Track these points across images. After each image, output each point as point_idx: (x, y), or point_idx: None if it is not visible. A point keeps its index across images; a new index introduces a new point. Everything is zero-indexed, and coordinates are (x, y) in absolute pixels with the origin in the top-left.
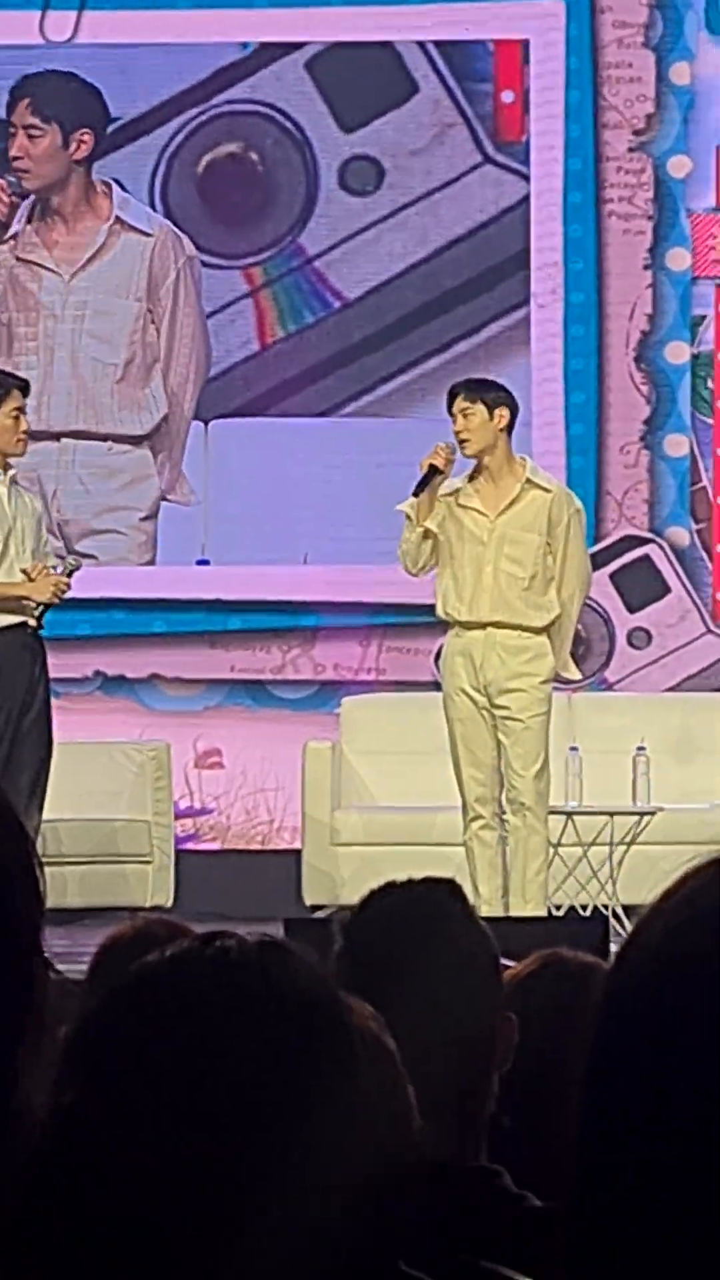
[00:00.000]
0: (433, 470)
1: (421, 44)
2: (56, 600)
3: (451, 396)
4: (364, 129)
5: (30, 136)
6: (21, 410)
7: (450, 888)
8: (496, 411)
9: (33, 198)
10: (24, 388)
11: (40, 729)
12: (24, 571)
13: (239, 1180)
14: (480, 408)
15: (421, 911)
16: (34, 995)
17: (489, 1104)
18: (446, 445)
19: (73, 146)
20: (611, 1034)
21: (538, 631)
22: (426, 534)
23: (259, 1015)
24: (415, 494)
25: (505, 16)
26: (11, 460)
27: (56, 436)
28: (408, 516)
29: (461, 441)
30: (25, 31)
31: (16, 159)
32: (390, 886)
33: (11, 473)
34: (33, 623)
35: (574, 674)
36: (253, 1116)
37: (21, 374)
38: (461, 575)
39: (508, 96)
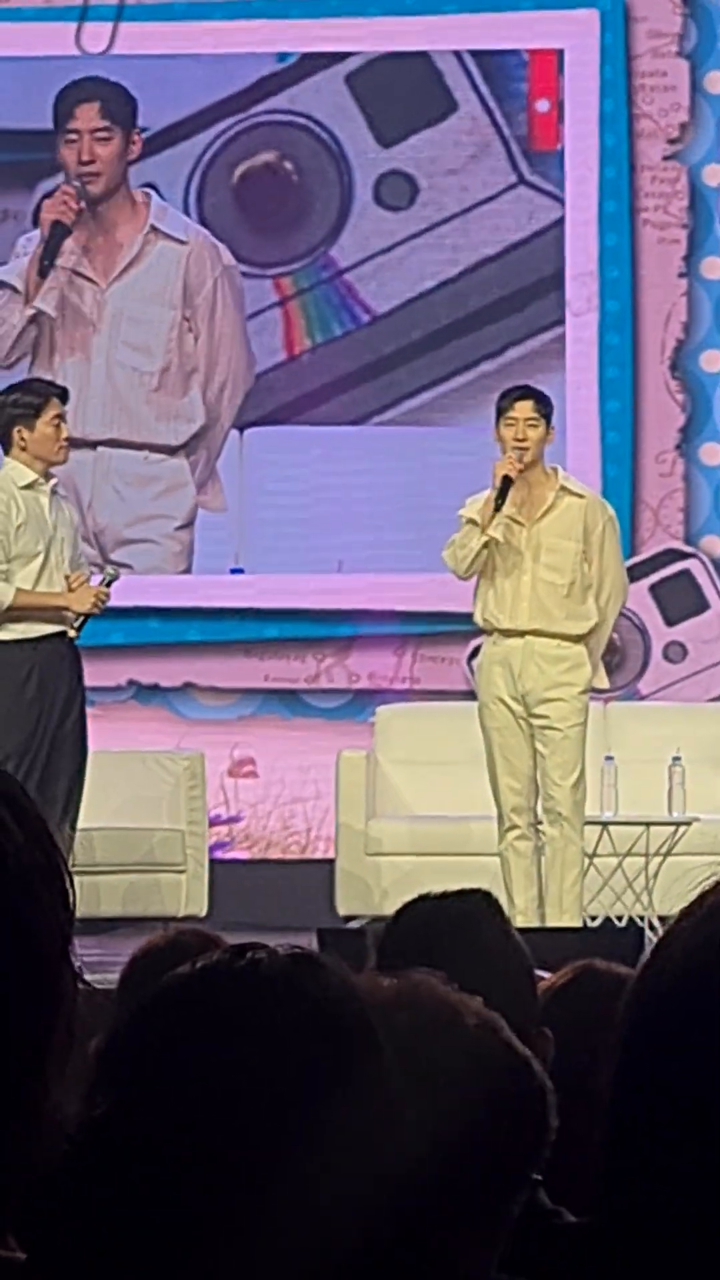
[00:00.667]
0: (507, 480)
1: (459, 56)
2: (97, 610)
3: (513, 400)
4: (401, 144)
5: (100, 140)
6: (62, 418)
7: (485, 899)
8: (551, 428)
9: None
10: (63, 395)
11: (76, 738)
12: (66, 578)
13: (268, 1192)
14: (543, 421)
15: (456, 923)
16: (63, 1004)
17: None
18: (512, 454)
19: (130, 151)
20: (638, 1045)
21: (576, 640)
22: (487, 543)
23: (289, 1028)
24: (498, 505)
25: (540, 26)
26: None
27: (93, 445)
28: (472, 522)
29: (521, 449)
30: (62, 43)
31: (86, 163)
32: (425, 898)
33: (53, 482)
34: (71, 632)
35: (603, 682)
36: (282, 1129)
37: (60, 382)
38: (500, 583)
39: (543, 106)
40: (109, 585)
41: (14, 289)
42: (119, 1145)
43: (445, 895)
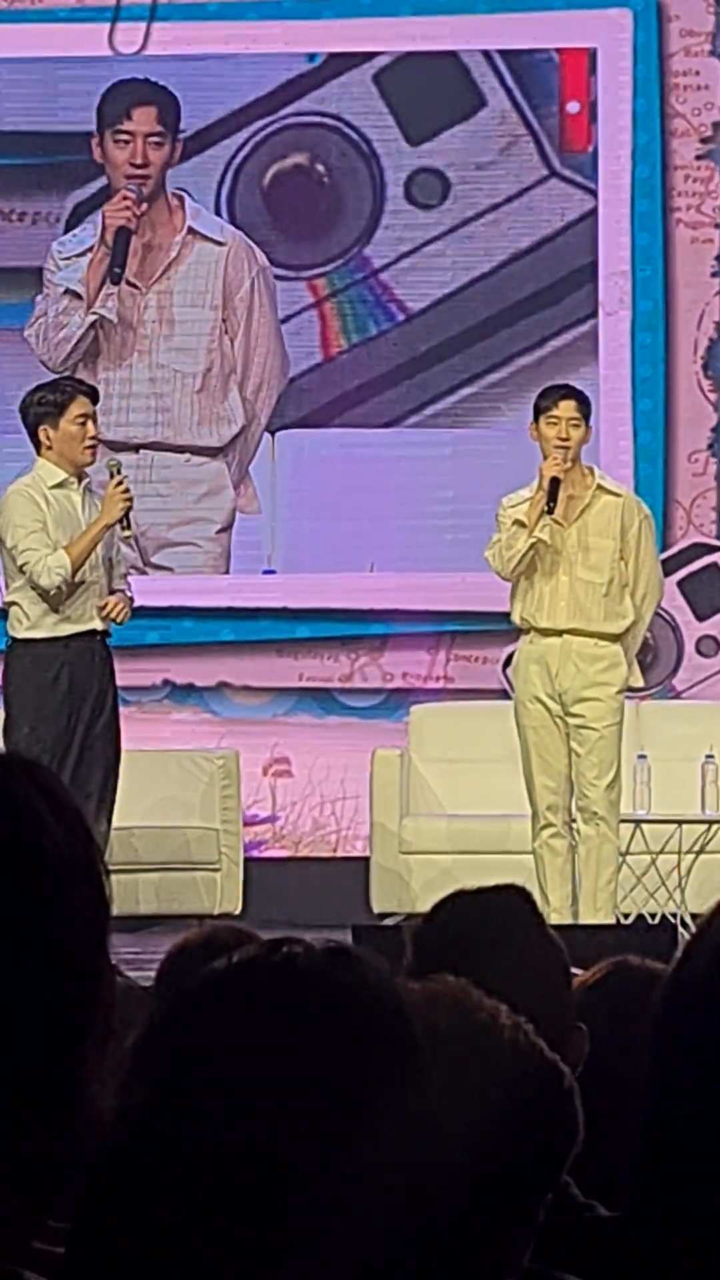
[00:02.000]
0: (555, 481)
1: (488, 55)
2: (129, 504)
3: (557, 398)
4: (430, 142)
5: (154, 145)
6: (89, 417)
7: (520, 894)
8: (589, 430)
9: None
10: (90, 393)
11: (109, 736)
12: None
13: (305, 1186)
14: (583, 421)
15: (492, 919)
16: (100, 997)
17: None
18: (556, 454)
19: (174, 158)
20: (671, 1040)
21: (614, 639)
22: (534, 544)
23: (325, 1021)
24: (548, 507)
25: (572, 25)
26: (89, 471)
27: (135, 449)
28: (519, 523)
29: (564, 448)
30: (93, 44)
31: (140, 166)
32: (460, 894)
33: (86, 481)
34: (101, 626)
35: (638, 681)
36: (319, 1122)
37: (99, 385)
38: (539, 583)
39: (573, 106)
40: (118, 475)
41: (76, 294)
42: (154, 1139)
43: (481, 891)
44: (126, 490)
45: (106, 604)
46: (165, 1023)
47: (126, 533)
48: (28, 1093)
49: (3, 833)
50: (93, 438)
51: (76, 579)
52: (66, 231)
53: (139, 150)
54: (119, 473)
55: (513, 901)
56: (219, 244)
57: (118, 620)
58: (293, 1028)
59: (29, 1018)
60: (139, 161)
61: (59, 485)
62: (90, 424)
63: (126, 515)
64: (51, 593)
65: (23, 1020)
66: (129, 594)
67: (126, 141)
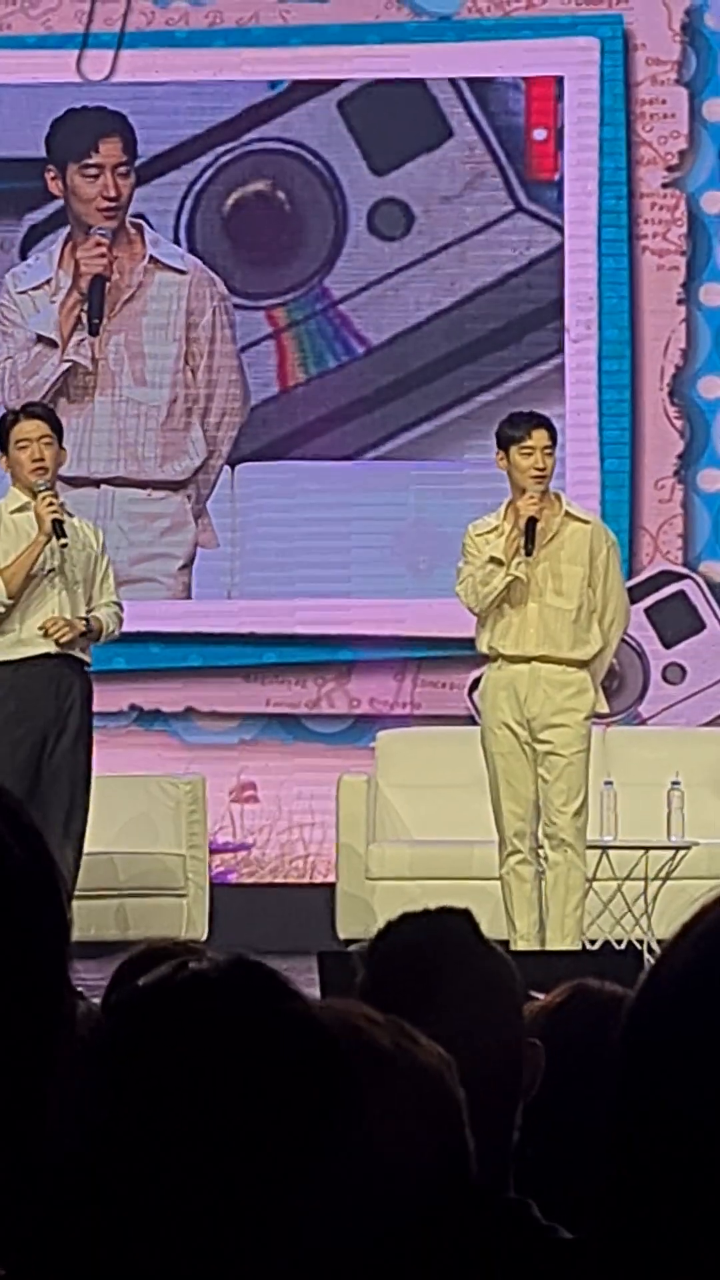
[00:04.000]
0: (533, 521)
1: (455, 84)
2: (58, 513)
3: (529, 427)
4: (395, 172)
5: (122, 175)
6: (31, 440)
7: (463, 916)
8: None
9: (66, 237)
10: (39, 415)
11: (73, 760)
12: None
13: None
14: (554, 449)
15: (437, 940)
16: (62, 1020)
17: (514, 1131)
18: (532, 489)
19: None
20: (635, 1064)
21: (582, 665)
22: (510, 581)
23: (235, 1034)
24: (528, 550)
25: (539, 54)
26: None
27: (97, 483)
28: (495, 561)
29: (540, 478)
30: (60, 70)
31: (112, 199)
32: (406, 916)
33: (60, 500)
34: (54, 649)
35: (603, 707)
36: (242, 1133)
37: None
38: (508, 611)
39: (540, 133)
40: (43, 491)
41: (51, 342)
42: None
43: (426, 914)
44: (51, 503)
45: (51, 620)
46: (89, 1049)
47: (62, 542)
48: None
49: None
50: (37, 460)
51: (27, 599)
52: (22, 256)
53: (110, 183)
54: (45, 489)
55: (456, 923)
56: (180, 273)
57: (56, 640)
58: (205, 1043)
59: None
60: (111, 195)
61: (19, 509)
62: (34, 446)
63: (57, 525)
64: None
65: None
66: (105, 622)
67: (96, 175)
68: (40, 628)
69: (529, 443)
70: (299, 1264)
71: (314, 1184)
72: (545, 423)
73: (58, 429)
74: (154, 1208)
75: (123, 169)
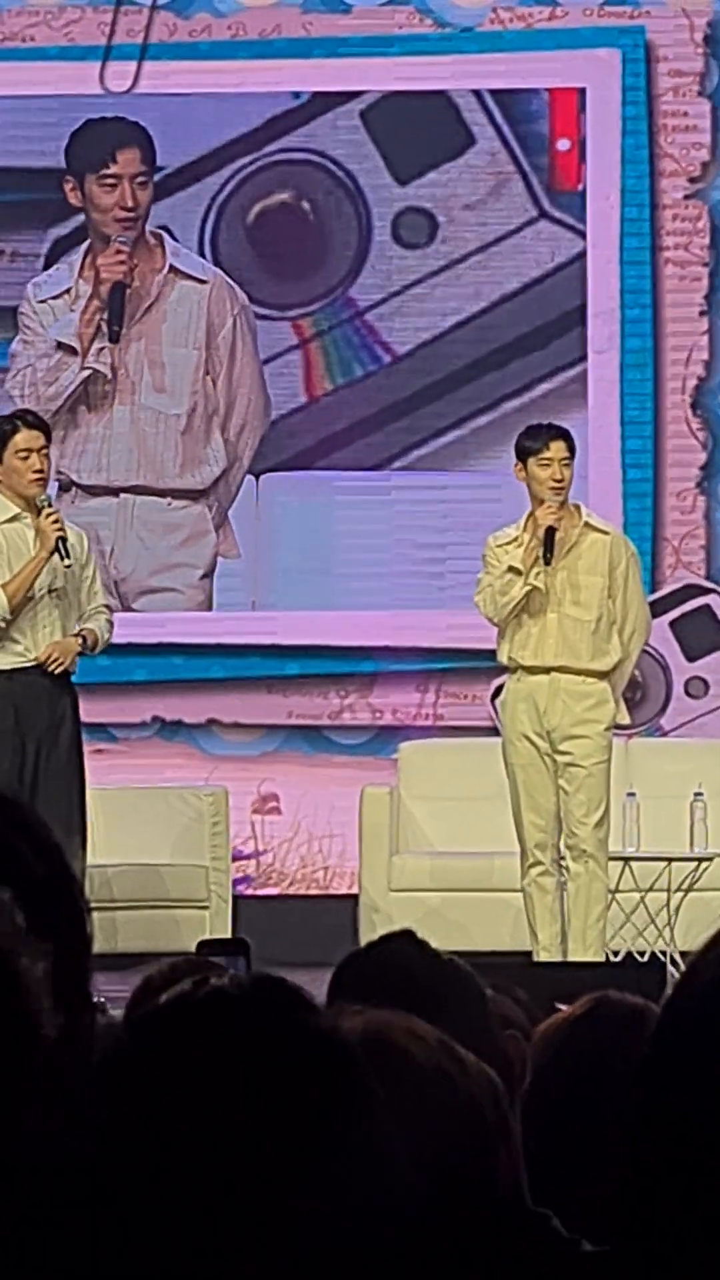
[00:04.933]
0: (551, 531)
1: (478, 94)
2: (61, 531)
3: (547, 439)
4: (418, 181)
5: (140, 186)
6: (33, 450)
7: (407, 936)
8: (574, 462)
9: (87, 247)
10: (37, 425)
11: (68, 772)
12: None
13: (257, 1218)
14: (572, 460)
15: (389, 966)
16: (79, 1032)
17: (517, 1126)
18: (550, 499)
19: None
20: (659, 1076)
21: (601, 676)
22: (529, 591)
23: (256, 1051)
24: (546, 559)
25: (562, 66)
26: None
27: (116, 492)
28: (513, 570)
29: (559, 489)
30: (83, 82)
31: (129, 209)
32: (353, 956)
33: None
34: (38, 661)
35: (625, 719)
36: (261, 1149)
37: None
38: (526, 621)
39: (564, 144)
40: (47, 507)
41: (71, 349)
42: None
43: (369, 946)
44: (57, 520)
45: (47, 652)
46: (111, 1061)
47: (67, 562)
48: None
49: None
50: (38, 471)
51: (24, 611)
52: (46, 268)
53: (127, 193)
54: (48, 505)
55: (402, 945)
56: (201, 282)
57: (53, 671)
58: (226, 1061)
59: (7, 1053)
60: (129, 205)
61: (10, 519)
62: (35, 457)
63: (62, 544)
64: None
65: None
66: (99, 634)
67: (113, 185)
68: (38, 661)
69: (546, 454)
70: (313, 1277)
71: (332, 1201)
72: (563, 434)
73: (50, 440)
74: (167, 1223)
75: (140, 179)
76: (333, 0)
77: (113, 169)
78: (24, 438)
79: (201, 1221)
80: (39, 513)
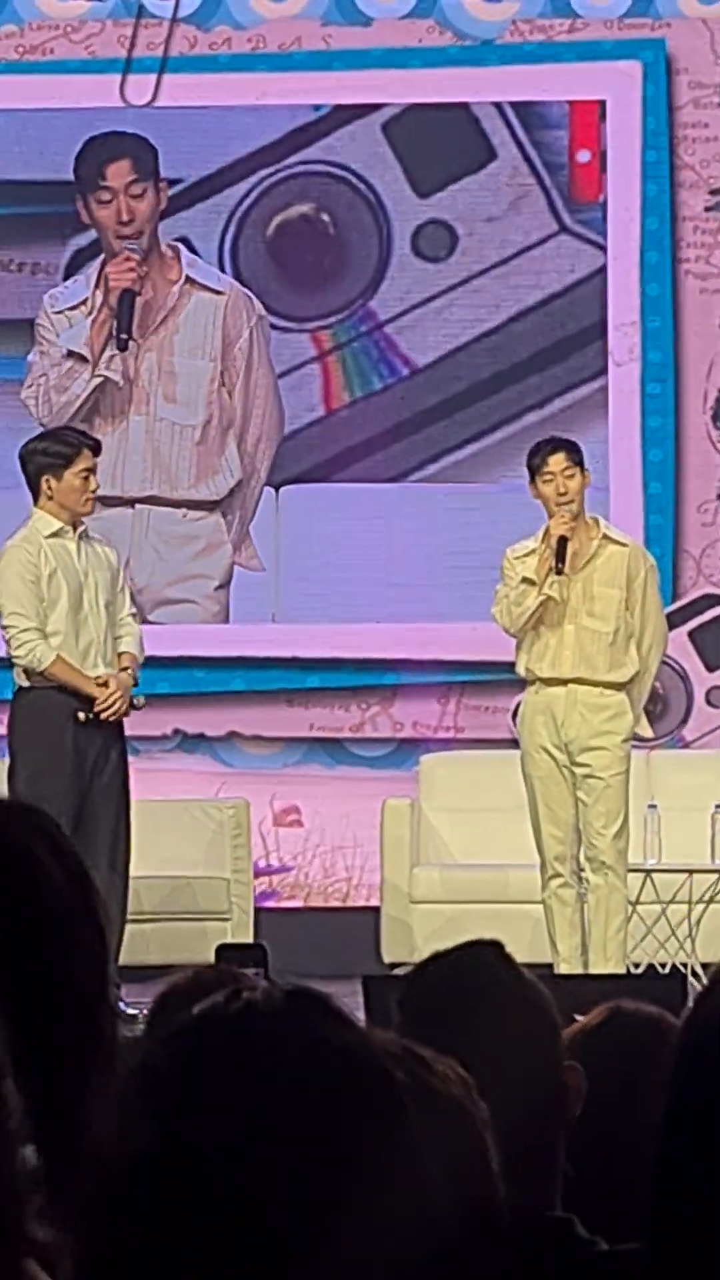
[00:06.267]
0: (563, 540)
1: (499, 106)
2: (108, 716)
3: (546, 454)
4: (439, 194)
5: (135, 197)
6: (91, 470)
7: (493, 947)
8: (586, 474)
9: (103, 259)
10: (95, 447)
11: (116, 787)
12: (99, 681)
13: (290, 1232)
14: (578, 469)
15: (469, 975)
16: (102, 1041)
17: (561, 1154)
18: (562, 511)
19: (160, 202)
20: (686, 1085)
21: (619, 688)
22: (543, 601)
23: (290, 1064)
24: (558, 569)
25: (582, 77)
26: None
27: (131, 503)
28: (528, 581)
29: (566, 503)
30: (105, 94)
31: (126, 222)
32: (435, 956)
33: (81, 529)
34: (80, 716)
35: (646, 731)
36: (296, 1159)
37: (97, 437)
38: (544, 633)
39: (584, 156)
40: (133, 706)
41: (81, 357)
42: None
43: (454, 949)
44: (120, 713)
45: (102, 700)
46: (142, 1074)
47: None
48: (30, 1137)
49: (1, 875)
50: (94, 490)
51: (70, 626)
52: (66, 280)
53: (123, 206)
54: (131, 708)
55: (486, 955)
56: (217, 293)
57: (109, 718)
58: (258, 1073)
59: (30, 1062)
60: (125, 218)
61: (55, 534)
62: (92, 478)
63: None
64: (22, 667)
65: (24, 1064)
66: (138, 657)
67: (109, 200)
68: (94, 712)
69: (547, 469)
70: None
71: (365, 1214)
72: (563, 446)
73: None
74: (200, 1237)
75: (135, 190)
76: (353, 13)
77: (105, 184)
78: (85, 457)
79: (233, 1236)
80: (75, 528)
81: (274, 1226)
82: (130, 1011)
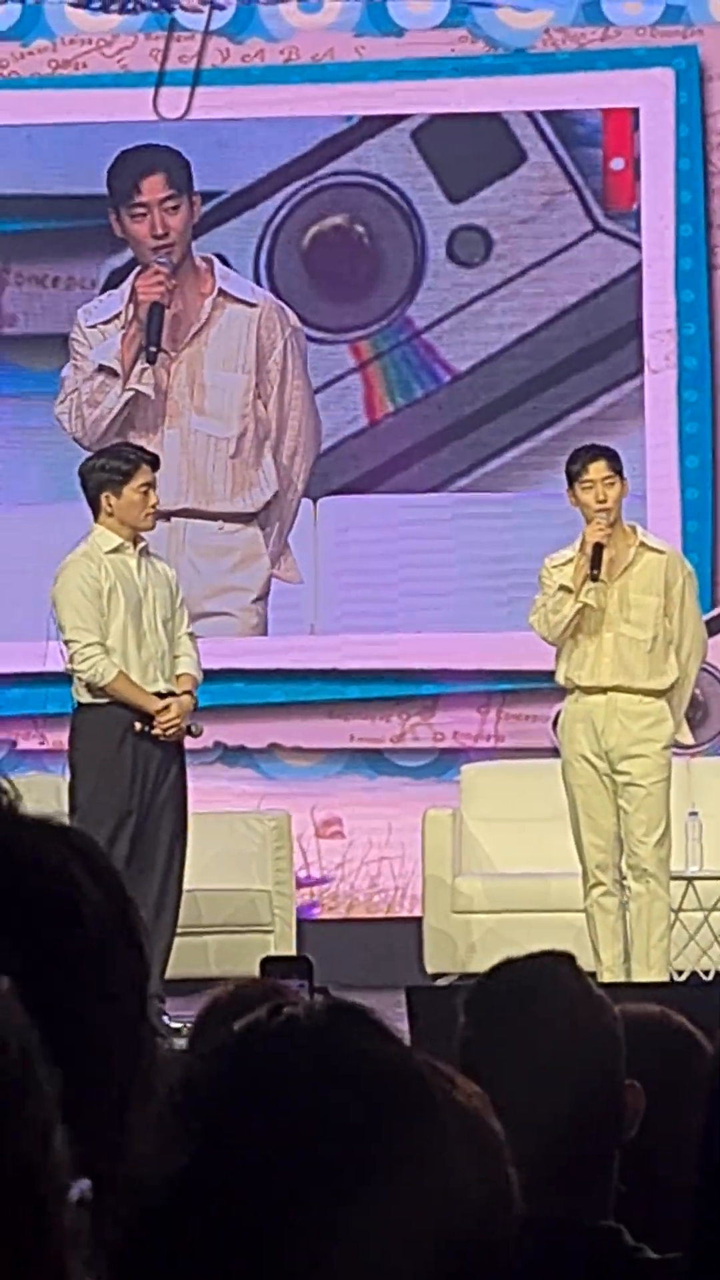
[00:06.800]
0: (599, 547)
1: (530, 113)
2: (164, 736)
3: (586, 461)
4: (471, 199)
5: (169, 211)
6: (150, 485)
7: (565, 958)
8: (625, 482)
9: (136, 273)
10: (154, 462)
11: (175, 802)
12: (161, 697)
13: (332, 1247)
14: (617, 477)
15: (538, 984)
16: (142, 1061)
17: (614, 1171)
18: (598, 518)
19: (193, 215)
20: None
21: (658, 695)
22: (580, 609)
23: (332, 1079)
24: (593, 575)
25: (615, 85)
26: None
27: (167, 516)
28: (564, 589)
29: (604, 510)
30: (138, 107)
31: (161, 236)
32: (507, 962)
33: (141, 545)
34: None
35: (687, 738)
36: (338, 1176)
37: (155, 452)
38: (583, 641)
39: (617, 164)
40: (190, 732)
41: (112, 371)
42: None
43: (526, 957)
44: (179, 735)
45: (162, 723)
46: (183, 1090)
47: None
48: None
49: (40, 896)
50: (154, 505)
51: (132, 644)
52: (102, 294)
53: (157, 220)
54: (190, 733)
55: (558, 965)
56: (250, 305)
57: (168, 737)
58: (300, 1088)
59: (70, 1082)
60: (159, 232)
61: (115, 550)
62: (152, 493)
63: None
64: (83, 682)
65: (65, 1084)
66: (196, 678)
67: (143, 214)
68: (156, 729)
69: (587, 476)
70: None
71: (406, 1230)
72: (603, 454)
73: None
74: (240, 1254)
75: (170, 203)
76: (386, 23)
77: (139, 199)
78: (144, 472)
79: (273, 1252)
80: (135, 544)
81: (314, 1242)
82: (174, 1025)
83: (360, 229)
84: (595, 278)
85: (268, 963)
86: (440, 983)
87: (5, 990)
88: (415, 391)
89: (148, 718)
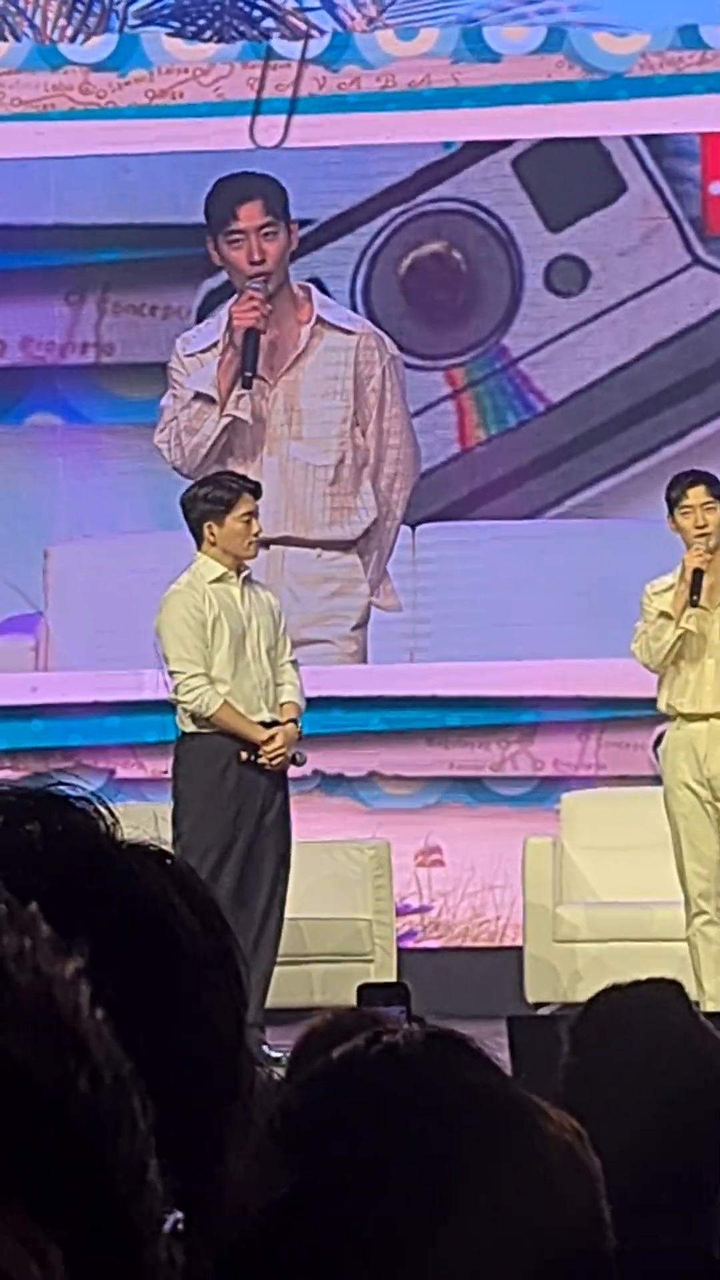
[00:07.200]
0: (699, 573)
1: (629, 140)
2: (267, 764)
3: (685, 486)
4: (570, 228)
5: (267, 237)
6: (253, 514)
7: (673, 986)
8: None
9: (233, 301)
10: (255, 490)
11: (280, 830)
12: (266, 726)
13: (428, 1269)
14: (718, 503)
15: (645, 1012)
16: (240, 1090)
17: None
18: (698, 544)
19: (291, 243)
20: None
21: None
22: (681, 635)
23: (430, 1107)
24: (693, 600)
25: (713, 108)
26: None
27: (266, 544)
28: (664, 615)
29: (704, 535)
30: (235, 137)
31: (258, 263)
32: (613, 988)
33: (245, 573)
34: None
35: None
36: (434, 1204)
37: (257, 480)
38: (685, 668)
39: (716, 188)
40: (294, 761)
41: (208, 398)
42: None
43: (635, 985)
44: (282, 764)
45: (267, 752)
46: (281, 1119)
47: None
48: (169, 1190)
49: (137, 924)
50: (257, 534)
51: (237, 673)
52: (198, 323)
53: (254, 247)
54: (294, 761)
55: (665, 994)
56: (348, 333)
57: (274, 766)
58: (398, 1117)
59: (166, 1113)
60: (257, 258)
61: (218, 580)
62: (254, 521)
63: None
64: (190, 713)
65: (161, 1116)
66: (300, 706)
67: (240, 241)
68: (262, 759)
69: (687, 502)
70: None
71: (504, 1259)
72: (703, 479)
73: None
74: None
75: (268, 230)
76: (482, 49)
77: (236, 225)
78: (246, 501)
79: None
80: (238, 573)
81: (412, 1270)
82: (274, 1054)
83: (458, 256)
84: (692, 311)
85: (365, 989)
86: (541, 1012)
87: (100, 1020)
88: (509, 420)
89: (253, 747)
